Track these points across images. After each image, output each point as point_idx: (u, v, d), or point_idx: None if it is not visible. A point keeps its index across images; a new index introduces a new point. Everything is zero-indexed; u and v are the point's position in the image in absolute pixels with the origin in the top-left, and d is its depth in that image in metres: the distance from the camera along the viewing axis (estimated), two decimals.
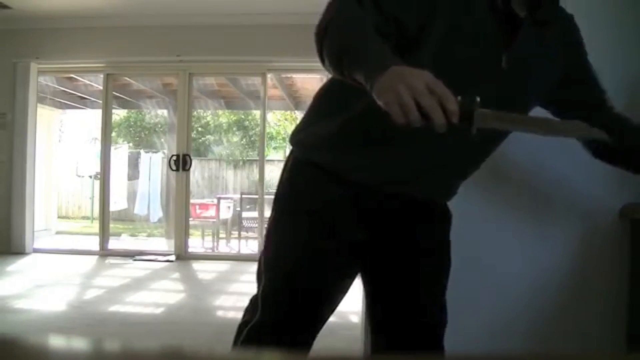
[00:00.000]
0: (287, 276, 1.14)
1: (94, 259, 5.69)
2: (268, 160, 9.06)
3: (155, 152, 9.71)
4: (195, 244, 6.74)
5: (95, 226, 6.83)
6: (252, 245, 6.55)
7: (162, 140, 10.00)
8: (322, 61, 0.98)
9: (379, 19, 0.96)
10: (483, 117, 0.86)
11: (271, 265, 1.15)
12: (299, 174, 1.16)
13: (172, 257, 5.70)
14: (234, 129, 12.20)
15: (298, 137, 1.18)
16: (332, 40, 0.95)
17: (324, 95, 1.18)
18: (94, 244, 6.09)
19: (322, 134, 1.12)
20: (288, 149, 1.24)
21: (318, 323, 1.15)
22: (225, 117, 12.13)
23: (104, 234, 5.96)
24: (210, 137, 12.17)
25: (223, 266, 5.58)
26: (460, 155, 1.12)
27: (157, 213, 8.73)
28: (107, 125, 6.04)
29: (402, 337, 1.18)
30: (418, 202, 1.17)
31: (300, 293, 1.12)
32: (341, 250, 1.12)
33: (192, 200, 6.81)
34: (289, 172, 1.17)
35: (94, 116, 9.36)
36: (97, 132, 7.39)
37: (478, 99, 0.85)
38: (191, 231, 6.26)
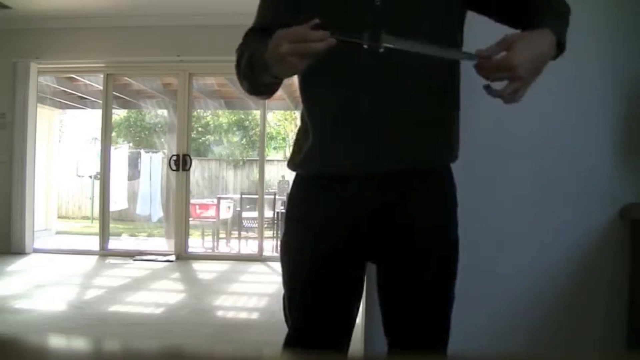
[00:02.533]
0: (291, 284, 1.17)
1: (94, 259, 5.69)
2: (268, 160, 9.07)
3: (155, 152, 9.71)
4: (195, 244, 6.74)
5: (95, 226, 6.84)
6: (252, 245, 6.55)
7: (162, 140, 10.00)
8: (250, 93, 1.15)
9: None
10: (387, 38, 0.96)
11: (283, 277, 1.20)
12: (295, 188, 1.19)
13: (172, 257, 5.70)
14: (234, 129, 12.20)
15: (289, 161, 1.21)
16: (244, 67, 1.09)
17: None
18: (94, 244, 6.09)
19: (300, 147, 1.16)
20: (288, 149, 1.27)
21: (342, 325, 1.16)
22: (225, 117, 12.13)
23: (104, 234, 5.96)
24: (210, 137, 12.17)
25: (223, 266, 5.58)
26: (404, 93, 1.07)
27: (157, 213, 8.73)
28: (107, 125, 6.04)
29: (402, 342, 1.16)
30: (409, 181, 1.10)
31: (305, 299, 1.15)
32: (338, 251, 1.12)
33: (192, 200, 6.82)
34: (289, 191, 1.22)
35: (94, 116, 9.37)
36: (97, 132, 7.39)
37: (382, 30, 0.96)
38: (191, 231, 6.27)
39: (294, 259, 1.16)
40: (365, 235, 1.12)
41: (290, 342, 1.15)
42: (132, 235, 8.41)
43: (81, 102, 8.80)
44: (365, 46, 0.94)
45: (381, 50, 0.94)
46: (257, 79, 1.07)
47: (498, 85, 1.02)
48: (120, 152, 9.20)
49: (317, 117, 1.12)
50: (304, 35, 0.92)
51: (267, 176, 6.26)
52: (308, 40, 0.91)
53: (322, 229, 1.12)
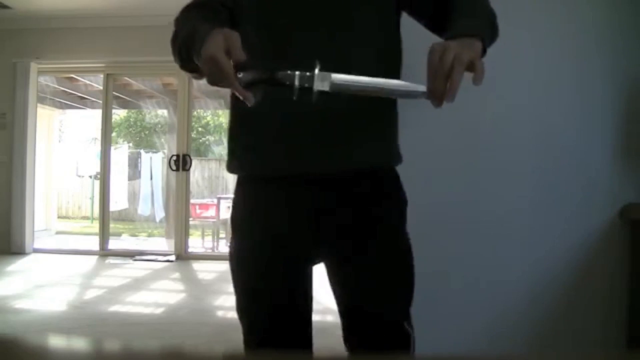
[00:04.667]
0: (243, 294, 1.13)
1: (94, 259, 5.69)
2: None
3: (156, 152, 9.71)
4: (195, 244, 6.74)
5: (96, 226, 6.84)
6: None
7: (162, 140, 10.00)
8: (180, 66, 1.08)
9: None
10: (322, 77, 0.90)
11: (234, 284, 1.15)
12: (236, 191, 1.16)
13: (172, 257, 5.70)
14: None
15: (227, 163, 1.16)
16: (177, 43, 1.06)
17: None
18: (94, 244, 6.09)
19: (232, 148, 1.13)
20: None
21: (297, 320, 1.12)
22: (225, 117, 12.13)
23: (104, 234, 5.96)
24: (210, 137, 12.17)
25: (223, 266, 5.57)
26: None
27: (159, 213, 8.74)
28: (107, 125, 6.04)
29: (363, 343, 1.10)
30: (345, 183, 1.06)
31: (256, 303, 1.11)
32: (280, 254, 1.08)
33: (192, 200, 6.81)
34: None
35: (94, 116, 9.37)
36: (97, 132, 7.39)
37: (317, 63, 0.89)
38: (191, 231, 6.27)
39: (240, 265, 1.12)
40: (306, 239, 1.07)
41: (250, 344, 1.11)
42: (132, 235, 8.41)
43: (81, 102, 8.80)
44: (296, 86, 0.89)
45: (315, 90, 0.89)
46: (191, 63, 1.00)
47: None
48: (120, 152, 9.20)
49: (246, 115, 1.06)
50: (229, 79, 0.89)
51: None
52: (231, 83, 0.89)
53: (263, 233, 1.08)
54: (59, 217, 9.08)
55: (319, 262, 1.13)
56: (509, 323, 1.77)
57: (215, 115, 12.17)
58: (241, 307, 1.13)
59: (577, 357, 0.60)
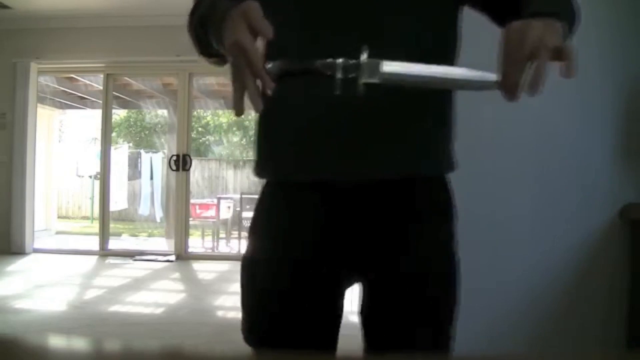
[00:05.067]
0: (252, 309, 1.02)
1: (94, 259, 5.69)
2: None
3: (156, 152, 9.71)
4: (195, 244, 6.74)
5: (95, 226, 6.83)
6: None
7: (162, 140, 10.00)
8: (199, 52, 0.94)
9: None
10: (371, 66, 0.73)
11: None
12: (263, 197, 1.01)
13: (172, 257, 5.70)
14: (234, 129, 12.20)
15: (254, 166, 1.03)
16: (193, 24, 0.92)
17: None
18: (94, 244, 6.09)
19: (260, 150, 1.00)
20: None
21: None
22: (225, 117, 12.13)
23: (104, 234, 5.96)
24: (210, 137, 12.18)
25: (223, 266, 5.57)
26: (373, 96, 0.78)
27: (159, 213, 8.75)
28: (107, 125, 6.04)
29: None
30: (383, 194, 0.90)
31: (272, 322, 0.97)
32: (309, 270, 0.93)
33: (192, 200, 6.81)
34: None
35: (94, 116, 9.37)
36: (97, 132, 7.39)
37: (365, 49, 0.73)
38: (191, 231, 6.27)
39: (254, 276, 0.99)
40: (339, 254, 0.91)
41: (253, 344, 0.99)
42: (132, 235, 8.41)
43: (81, 102, 8.80)
44: (338, 77, 0.73)
45: (361, 82, 0.73)
46: (209, 47, 0.86)
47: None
48: (120, 152, 9.20)
49: (271, 116, 0.91)
50: (255, 67, 0.73)
51: None
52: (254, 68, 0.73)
53: (288, 242, 0.93)
54: (59, 217, 9.08)
55: (351, 281, 0.97)
56: (509, 323, 1.77)
57: (215, 115, 12.17)
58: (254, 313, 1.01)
59: (577, 357, 0.60)
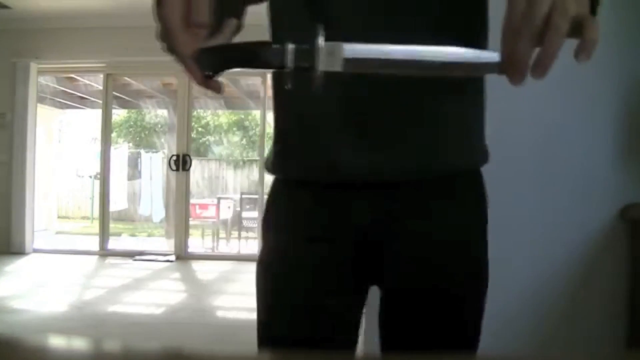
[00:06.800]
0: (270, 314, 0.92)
1: (94, 259, 5.69)
2: None
3: (156, 152, 9.71)
4: (195, 244, 6.74)
5: (95, 226, 6.83)
6: (252, 245, 6.55)
7: (162, 140, 10.00)
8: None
9: None
10: (331, 50, 0.56)
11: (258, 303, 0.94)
12: (276, 194, 0.95)
13: (172, 257, 5.70)
14: (234, 129, 12.20)
15: (266, 162, 0.98)
16: None
17: None
18: (94, 244, 6.09)
19: (278, 145, 0.95)
20: None
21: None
22: (225, 117, 12.13)
23: (104, 234, 5.96)
24: (210, 137, 12.17)
25: (223, 266, 5.58)
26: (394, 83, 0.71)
27: (159, 213, 8.74)
28: (107, 125, 6.05)
29: None
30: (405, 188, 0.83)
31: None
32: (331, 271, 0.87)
33: (192, 200, 6.82)
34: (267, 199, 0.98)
35: (94, 116, 9.36)
36: (97, 132, 7.39)
37: (320, 28, 0.56)
38: (191, 231, 6.27)
39: (272, 278, 0.90)
40: (361, 254, 0.86)
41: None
42: (132, 235, 8.41)
43: (81, 102, 8.81)
44: (288, 67, 0.57)
45: (319, 71, 0.57)
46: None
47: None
48: (120, 152, 9.20)
49: (285, 109, 0.87)
50: (180, 53, 0.60)
51: (267, 176, 6.22)
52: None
53: (310, 241, 0.86)
54: (59, 217, 9.08)
55: (374, 282, 0.90)
56: (510, 323, 1.77)
57: (215, 115, 12.17)
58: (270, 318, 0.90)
59: (578, 357, 0.60)
